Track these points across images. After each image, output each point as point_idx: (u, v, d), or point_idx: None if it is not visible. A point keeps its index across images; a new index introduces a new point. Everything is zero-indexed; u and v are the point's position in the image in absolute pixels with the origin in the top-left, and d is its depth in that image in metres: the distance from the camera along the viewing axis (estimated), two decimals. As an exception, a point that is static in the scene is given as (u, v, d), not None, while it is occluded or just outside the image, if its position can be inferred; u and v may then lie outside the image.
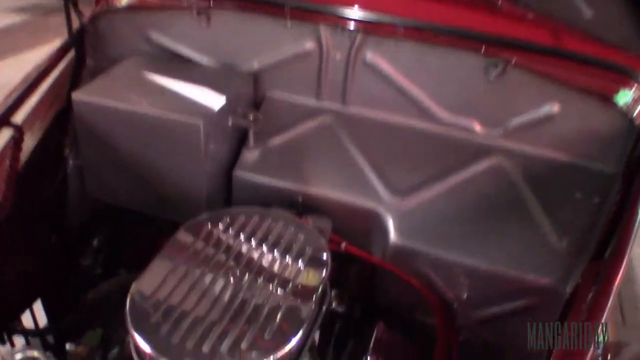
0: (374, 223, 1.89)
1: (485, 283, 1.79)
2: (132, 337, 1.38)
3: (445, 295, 1.87)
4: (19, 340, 1.89)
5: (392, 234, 1.84)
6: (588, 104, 1.89)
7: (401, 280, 1.86)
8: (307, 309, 1.46)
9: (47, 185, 2.03)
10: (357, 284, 1.96)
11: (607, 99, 1.86)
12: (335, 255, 1.66)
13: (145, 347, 1.35)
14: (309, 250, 1.61)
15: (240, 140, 2.07)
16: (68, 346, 1.63)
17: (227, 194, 2.05)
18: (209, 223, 1.67)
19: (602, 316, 1.38)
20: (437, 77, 2.01)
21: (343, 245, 1.89)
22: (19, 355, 1.35)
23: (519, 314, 1.79)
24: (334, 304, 1.76)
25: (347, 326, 1.86)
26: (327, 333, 1.70)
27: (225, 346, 1.35)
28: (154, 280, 1.49)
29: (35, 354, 1.36)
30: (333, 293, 1.70)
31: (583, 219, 1.82)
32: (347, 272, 1.93)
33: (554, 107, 1.93)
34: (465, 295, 1.85)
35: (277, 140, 2.07)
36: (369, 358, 1.72)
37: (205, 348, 1.34)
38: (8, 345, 1.82)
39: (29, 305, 1.95)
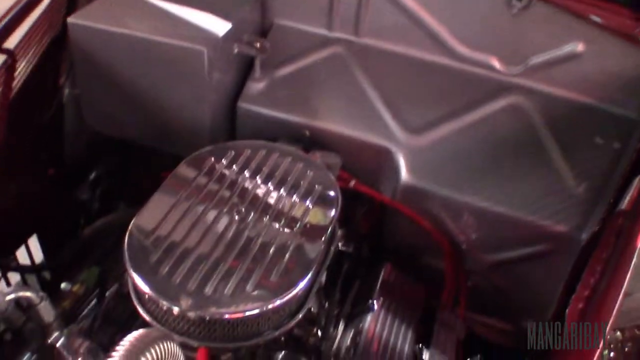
0: (385, 161, 1.82)
1: (498, 227, 1.74)
2: (130, 276, 1.31)
3: (456, 238, 1.81)
4: (14, 278, 1.82)
5: (403, 173, 1.77)
6: (614, 44, 1.79)
7: (411, 221, 1.81)
8: (316, 250, 1.40)
9: (41, 116, 1.95)
10: (364, 223, 1.90)
11: (634, 40, 1.76)
12: (344, 193, 1.59)
13: (144, 287, 1.28)
14: (318, 188, 1.54)
15: (246, 70, 1.97)
16: (63, 285, 1.57)
17: (231, 127, 1.97)
18: (213, 157, 1.59)
19: (624, 281, 1.31)
20: (456, 8, 1.90)
21: (352, 183, 1.82)
22: (11, 296, 1.27)
23: (532, 259, 1.75)
24: (340, 244, 1.69)
25: (354, 267, 1.80)
26: (333, 273, 1.64)
27: (229, 287, 1.28)
28: (153, 217, 1.42)
29: (28, 293, 1.28)
30: (340, 232, 1.63)
31: (602, 165, 1.75)
32: (354, 210, 1.87)
33: (577, 46, 1.83)
34: (476, 239, 1.79)
35: (284, 71, 1.98)
36: (375, 302, 1.67)
37: (208, 289, 1.28)
38: (3, 283, 1.75)
39: (24, 240, 1.89)
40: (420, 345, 1.69)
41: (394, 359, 1.60)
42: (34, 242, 1.94)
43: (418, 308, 1.79)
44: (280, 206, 1.48)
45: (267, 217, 1.45)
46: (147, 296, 1.30)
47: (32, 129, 1.90)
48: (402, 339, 1.66)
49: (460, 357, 1.72)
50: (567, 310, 1.49)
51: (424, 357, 1.68)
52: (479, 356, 1.63)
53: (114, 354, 1.03)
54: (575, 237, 1.64)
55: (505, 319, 1.93)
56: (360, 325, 1.62)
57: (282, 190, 1.52)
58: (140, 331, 1.07)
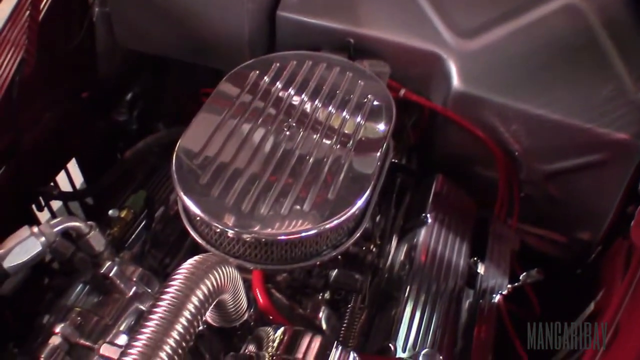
0: (434, 68, 1.73)
1: (554, 135, 1.67)
2: (181, 199, 1.26)
3: (510, 147, 1.75)
4: (55, 204, 1.79)
5: (455, 80, 1.70)
6: None
7: (463, 130, 1.74)
8: (372, 165, 1.34)
9: (72, 37, 1.87)
10: (413, 134, 1.84)
11: None
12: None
13: (196, 210, 1.23)
14: (370, 99, 1.46)
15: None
16: (111, 212, 1.53)
17: (270, 38, 1.88)
18: (256, 71, 1.51)
19: None
20: None
21: (402, 92, 1.74)
22: (59, 227, 1.22)
23: (589, 169, 1.68)
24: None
25: (405, 180, 1.75)
26: (385, 187, 1.57)
27: (285, 207, 1.23)
28: (199, 138, 1.36)
29: (77, 224, 1.24)
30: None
31: None
32: (403, 121, 1.80)
33: None
34: (531, 148, 1.73)
35: None
36: (428, 215, 1.61)
37: (263, 210, 1.23)
38: (47, 213, 1.72)
39: (63, 165, 1.85)
40: (475, 258, 1.65)
41: (449, 273, 1.56)
42: (74, 169, 1.90)
43: (471, 220, 1.76)
44: (332, 121, 1.42)
45: (319, 133, 1.38)
46: (199, 219, 1.26)
47: (63, 52, 1.84)
48: (457, 252, 1.63)
49: (517, 269, 1.68)
50: (632, 223, 1.44)
51: (479, 270, 1.64)
52: (535, 269, 1.58)
53: (171, 282, 0.98)
54: (635, 146, 1.58)
55: (559, 231, 1.88)
56: (415, 239, 1.58)
57: (332, 103, 1.45)
58: (197, 258, 1.02)
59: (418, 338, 1.38)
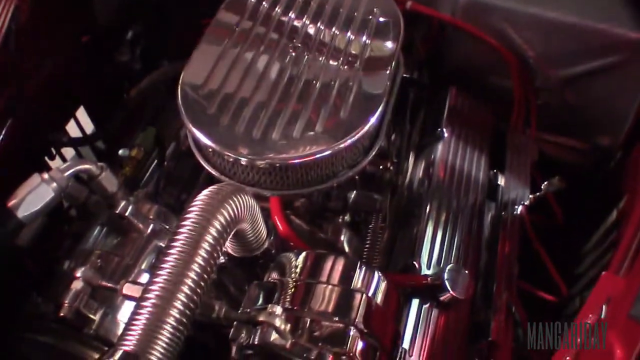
0: None
1: (568, 39, 1.62)
2: (191, 132, 1.23)
3: (524, 54, 1.70)
4: (69, 154, 1.77)
5: None
6: None
7: (474, 40, 1.69)
8: (382, 83, 1.30)
9: None
10: (423, 48, 1.79)
11: None
12: (401, 16, 1.47)
13: (207, 141, 1.21)
14: (377, 13, 1.42)
15: None
16: (121, 151, 1.51)
17: None
18: None
19: None
20: None
21: (408, 4, 1.68)
22: (69, 171, 1.20)
23: (605, 72, 1.64)
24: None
25: (418, 95, 1.71)
26: (398, 103, 1.54)
27: (297, 130, 1.21)
28: (202, 68, 1.33)
29: (87, 166, 1.21)
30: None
31: None
32: (412, 35, 1.74)
33: None
34: (545, 53, 1.68)
35: None
36: (444, 129, 1.58)
37: (275, 135, 1.20)
38: (58, 160, 1.70)
39: (71, 114, 1.82)
40: (495, 170, 1.62)
41: (469, 187, 1.54)
42: (83, 115, 1.87)
43: (488, 132, 1.72)
44: (337, 40, 1.38)
45: (325, 54, 1.35)
46: (211, 150, 1.23)
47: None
48: (476, 165, 1.60)
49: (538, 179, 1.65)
50: None
51: (499, 182, 1.62)
52: (557, 177, 1.55)
53: (187, 216, 0.96)
54: None
55: (578, 137, 1.84)
56: (432, 155, 1.55)
57: (337, 22, 1.41)
58: (212, 188, 1.00)
59: (442, 254, 1.37)
